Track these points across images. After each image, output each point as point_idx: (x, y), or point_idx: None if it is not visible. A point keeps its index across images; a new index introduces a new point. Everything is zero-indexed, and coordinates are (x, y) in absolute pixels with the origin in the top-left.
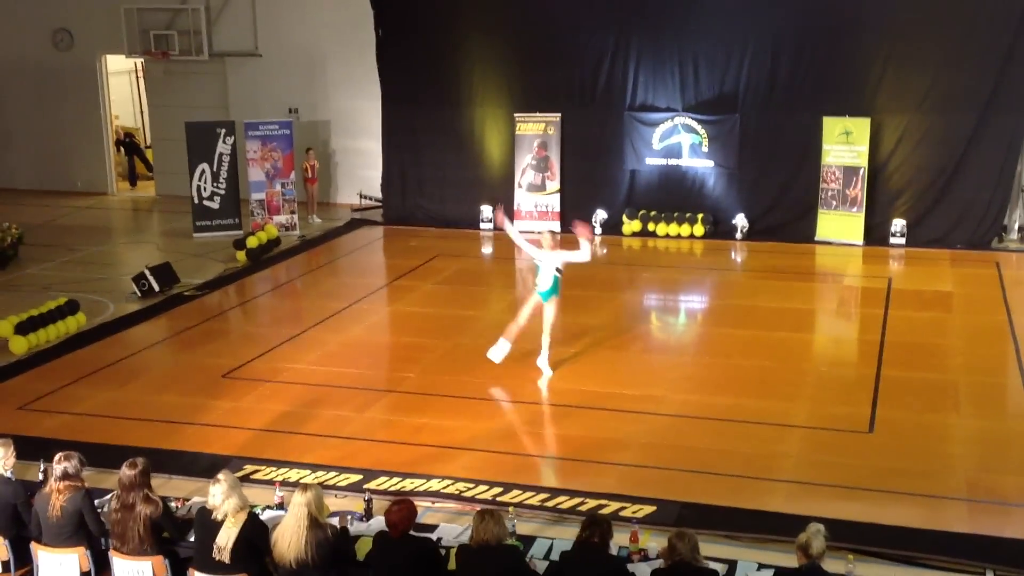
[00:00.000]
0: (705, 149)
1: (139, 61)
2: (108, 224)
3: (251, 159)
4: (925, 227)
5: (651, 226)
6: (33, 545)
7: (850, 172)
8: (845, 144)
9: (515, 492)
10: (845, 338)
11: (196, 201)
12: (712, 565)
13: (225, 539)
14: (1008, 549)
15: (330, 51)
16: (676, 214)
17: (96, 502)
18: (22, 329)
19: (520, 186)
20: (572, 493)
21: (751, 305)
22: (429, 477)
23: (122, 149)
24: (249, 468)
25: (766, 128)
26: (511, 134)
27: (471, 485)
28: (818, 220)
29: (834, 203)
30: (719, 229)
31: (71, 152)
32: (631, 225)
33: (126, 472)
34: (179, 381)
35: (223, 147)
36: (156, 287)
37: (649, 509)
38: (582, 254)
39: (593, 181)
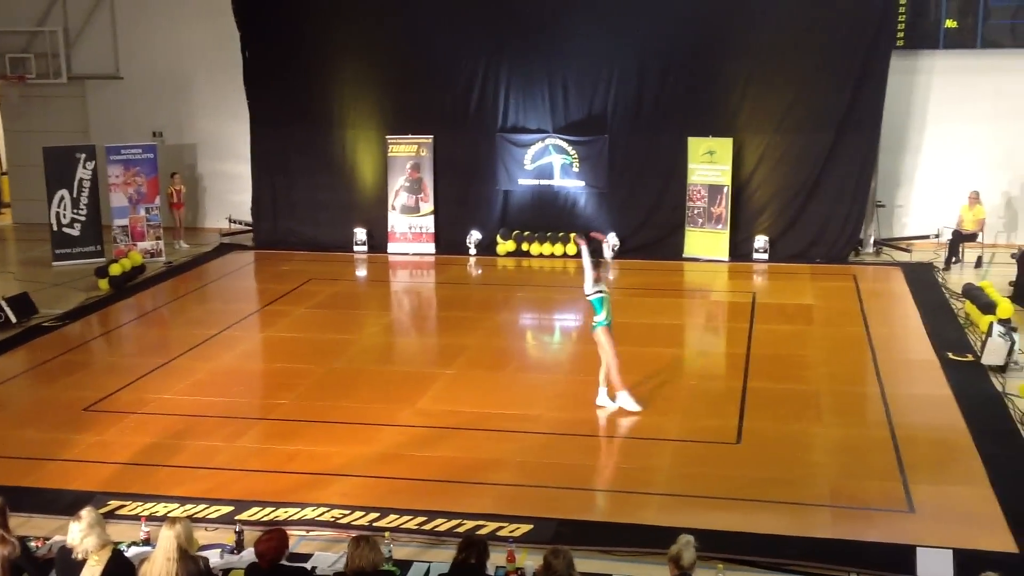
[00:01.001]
0: (576, 169)
1: None
2: None
3: (113, 184)
4: (786, 243)
5: (525, 246)
6: None
7: (715, 191)
8: (709, 163)
9: (391, 516)
10: (713, 352)
11: (55, 228)
12: None
13: None
14: (872, 552)
15: (195, 73)
16: (549, 234)
17: None
18: None
19: (394, 208)
20: (449, 515)
21: (623, 322)
22: (303, 505)
23: None
24: (114, 503)
25: (634, 148)
26: (383, 156)
27: (346, 512)
28: (685, 237)
29: (700, 221)
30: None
31: None
32: (505, 245)
33: None
34: (39, 416)
35: (83, 172)
36: (13, 318)
37: (526, 528)
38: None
39: (467, 202)
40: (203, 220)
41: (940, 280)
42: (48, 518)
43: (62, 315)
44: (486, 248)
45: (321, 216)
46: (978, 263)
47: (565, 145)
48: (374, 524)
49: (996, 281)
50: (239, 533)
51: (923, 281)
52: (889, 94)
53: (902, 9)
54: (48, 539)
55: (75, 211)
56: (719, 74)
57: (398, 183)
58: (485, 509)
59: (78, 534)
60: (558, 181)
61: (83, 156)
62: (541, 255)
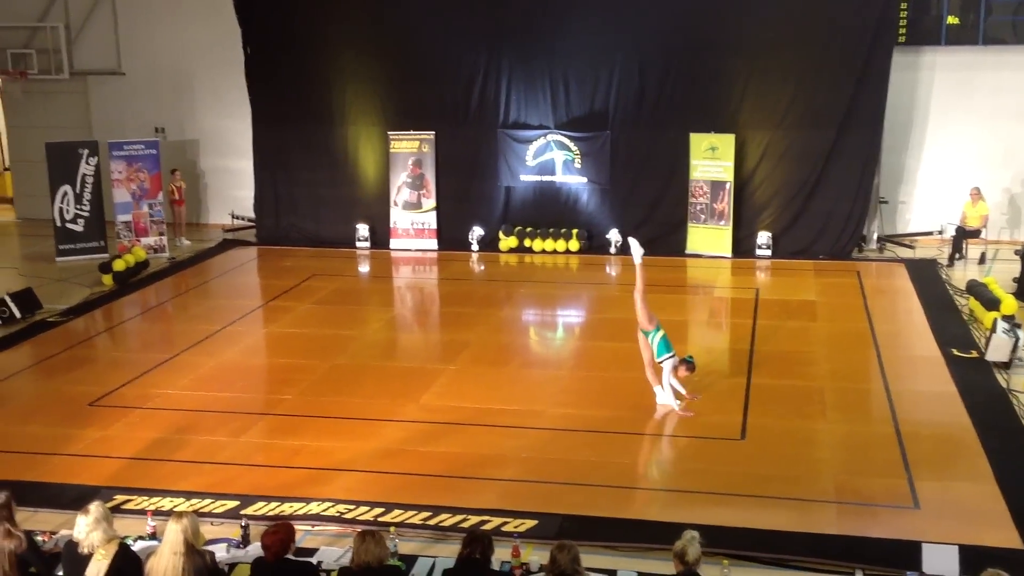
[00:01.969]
0: (578, 165)
1: None
2: None
3: (116, 180)
4: (789, 239)
5: (527, 242)
6: None
7: (717, 187)
8: (712, 159)
9: (396, 512)
10: (717, 348)
11: (58, 224)
12: None
13: (95, 572)
14: (876, 549)
15: (197, 69)
16: (551, 230)
17: None
18: None
19: (396, 204)
20: (454, 510)
21: (626, 318)
22: (308, 500)
23: None
24: (120, 498)
25: (636, 145)
26: (385, 152)
27: (351, 506)
28: (688, 234)
29: (703, 217)
30: (593, 244)
31: None
32: (507, 241)
33: None
34: (43, 411)
35: (86, 168)
36: (17, 314)
37: (531, 523)
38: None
39: (469, 198)
40: (206, 216)
41: (944, 276)
42: (54, 512)
43: (66, 310)
44: (488, 244)
45: (323, 212)
46: (982, 259)
47: (567, 141)
48: (379, 519)
49: (1000, 277)
50: (245, 527)
51: (927, 277)
52: (891, 90)
53: (904, 5)
54: (55, 533)
55: (78, 207)
56: (721, 70)
57: (400, 179)
58: (490, 504)
59: (85, 528)
60: (560, 177)
61: (86, 152)
62: (543, 251)
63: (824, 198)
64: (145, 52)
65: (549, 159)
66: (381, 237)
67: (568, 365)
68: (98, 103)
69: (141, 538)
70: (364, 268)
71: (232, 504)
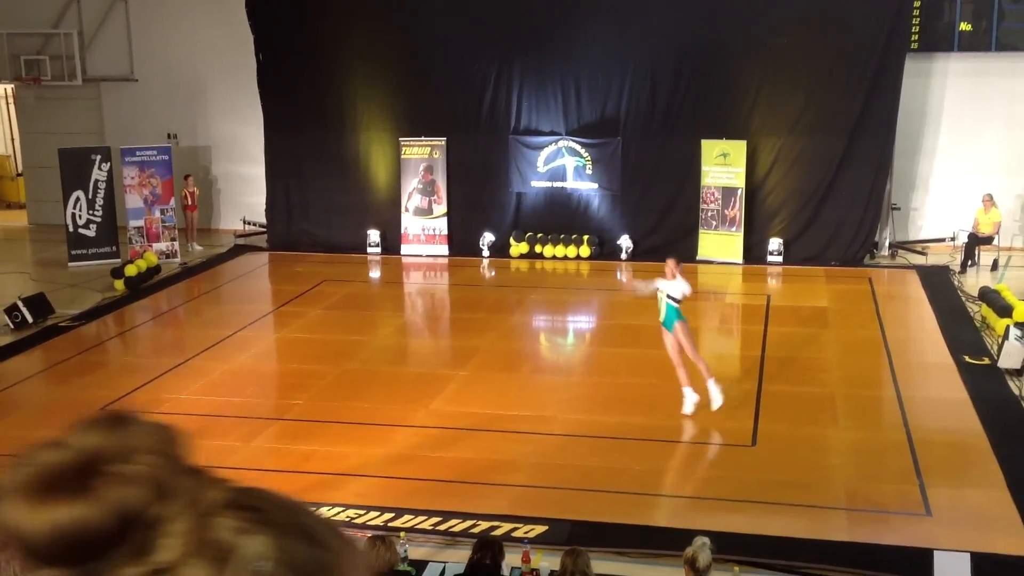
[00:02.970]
0: (589, 172)
1: (9, 87)
2: None
3: (128, 185)
4: (801, 245)
5: (538, 248)
6: None
7: (728, 193)
8: (723, 166)
9: (407, 517)
10: (728, 354)
11: (71, 229)
12: None
13: None
14: (888, 556)
15: (209, 75)
16: (562, 236)
17: None
18: None
19: (407, 210)
20: (464, 516)
21: (637, 324)
22: (319, 505)
23: None
24: None
25: (647, 151)
26: (397, 158)
27: (362, 511)
28: (699, 240)
29: (714, 223)
30: (604, 250)
31: None
32: (518, 247)
33: None
34: (55, 415)
35: (99, 174)
36: (30, 319)
37: (541, 529)
38: (682, 288)
39: (480, 204)
40: (217, 222)
41: (956, 283)
42: None
43: (78, 315)
44: (499, 250)
45: (335, 218)
46: (994, 266)
47: (578, 147)
48: (389, 524)
49: (1012, 284)
50: None
51: (939, 284)
52: (904, 97)
53: (916, 11)
54: None
55: (91, 212)
56: (733, 76)
57: (411, 185)
58: (500, 510)
59: None
60: (571, 183)
61: (98, 158)
62: (554, 257)
63: (836, 204)
64: (158, 59)
65: (560, 165)
66: (392, 243)
67: (578, 371)
68: (111, 109)
69: None
70: (375, 274)
71: None
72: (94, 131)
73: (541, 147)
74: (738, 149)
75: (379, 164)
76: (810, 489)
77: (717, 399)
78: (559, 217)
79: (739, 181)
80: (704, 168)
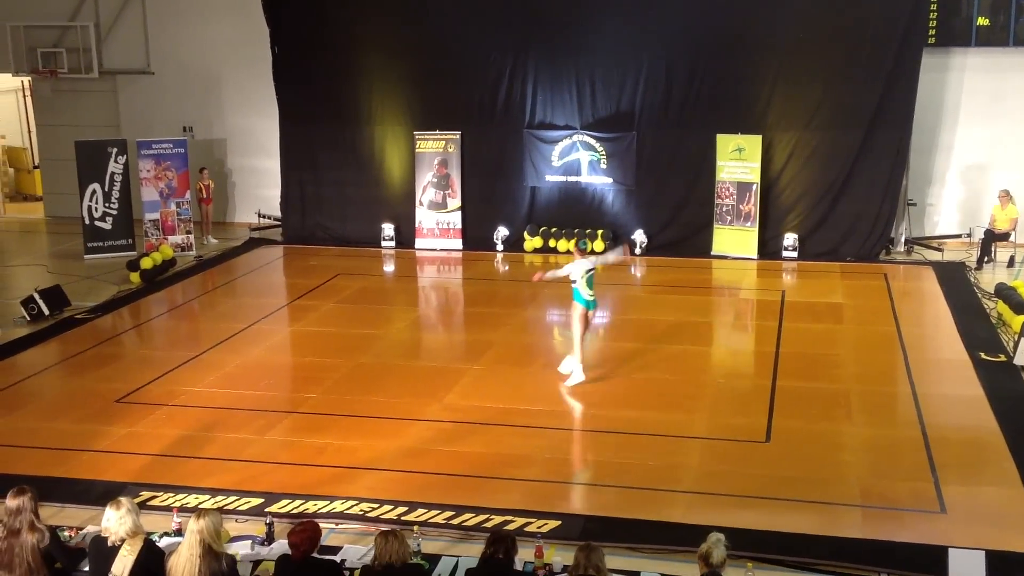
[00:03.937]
0: (603, 166)
1: (26, 79)
2: None
3: (144, 178)
4: (816, 241)
5: (552, 242)
6: None
7: (743, 188)
8: (738, 160)
9: (420, 511)
10: (742, 350)
11: (87, 222)
12: None
13: (121, 568)
14: (902, 553)
15: (225, 68)
16: (576, 230)
17: None
18: None
19: (421, 204)
20: (477, 510)
21: (651, 319)
22: (332, 499)
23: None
24: (146, 494)
25: (662, 145)
26: (411, 152)
27: (375, 505)
28: (714, 235)
29: (729, 218)
30: (618, 245)
31: None
32: (532, 241)
33: (10, 500)
34: (71, 407)
35: (115, 166)
36: (46, 311)
37: (554, 524)
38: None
39: (494, 198)
40: (232, 215)
41: (972, 279)
42: (80, 508)
43: (94, 308)
44: (513, 244)
45: (349, 211)
46: (1010, 262)
47: (593, 142)
48: (402, 518)
49: None
50: (269, 525)
51: (955, 280)
52: (920, 92)
53: (934, 6)
54: (81, 528)
55: (107, 205)
56: (748, 70)
57: (426, 179)
58: (513, 504)
59: (115, 520)
60: (585, 178)
61: (114, 150)
62: (568, 251)
63: (851, 200)
64: (174, 52)
65: (575, 159)
66: (406, 237)
67: (592, 365)
68: (127, 102)
69: (167, 534)
70: (389, 267)
71: (257, 502)
72: (110, 124)
73: (556, 141)
74: (753, 144)
75: (394, 158)
76: (824, 485)
77: (574, 378)
78: (573, 212)
79: (754, 176)
80: (719, 163)
